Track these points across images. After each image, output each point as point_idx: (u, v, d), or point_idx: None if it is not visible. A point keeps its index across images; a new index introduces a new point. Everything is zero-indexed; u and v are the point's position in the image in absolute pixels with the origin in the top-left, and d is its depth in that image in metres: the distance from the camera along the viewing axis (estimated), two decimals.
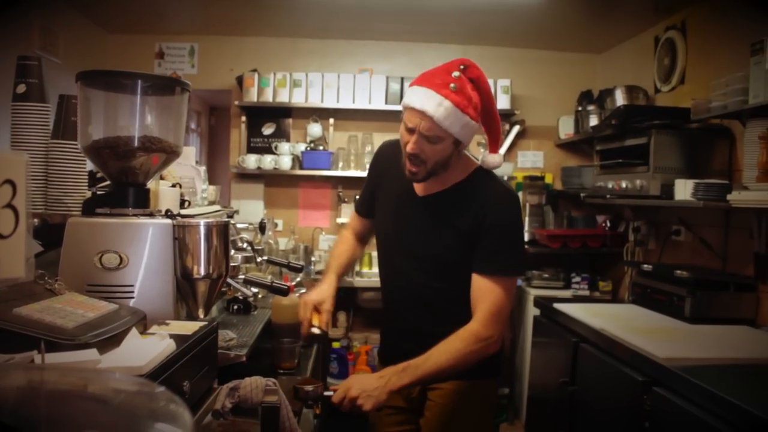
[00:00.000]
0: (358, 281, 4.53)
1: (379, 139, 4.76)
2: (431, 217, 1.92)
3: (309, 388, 1.79)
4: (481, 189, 1.89)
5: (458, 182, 1.91)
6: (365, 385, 1.75)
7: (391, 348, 2.12)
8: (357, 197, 2.26)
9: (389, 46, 5.00)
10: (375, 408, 1.74)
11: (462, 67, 1.75)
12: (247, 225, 3.23)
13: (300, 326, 2.05)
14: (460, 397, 1.96)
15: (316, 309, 2.01)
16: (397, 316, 2.08)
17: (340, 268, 2.18)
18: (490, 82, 4.62)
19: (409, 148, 1.79)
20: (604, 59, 4.98)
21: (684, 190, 3.09)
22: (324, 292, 2.05)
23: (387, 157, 2.09)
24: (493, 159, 1.91)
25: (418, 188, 1.96)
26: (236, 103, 4.84)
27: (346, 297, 4.51)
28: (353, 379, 1.80)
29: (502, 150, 4.80)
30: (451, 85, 1.71)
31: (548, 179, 4.94)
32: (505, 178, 4.70)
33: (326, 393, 1.79)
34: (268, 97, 4.74)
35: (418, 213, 1.94)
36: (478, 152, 4.83)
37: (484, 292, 1.82)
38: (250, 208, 4.79)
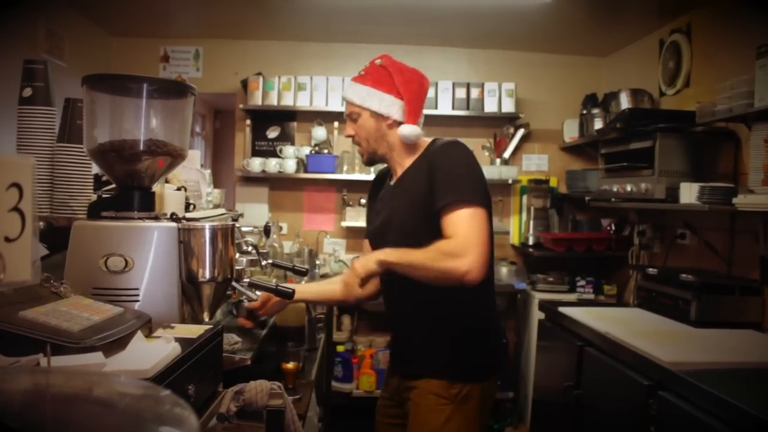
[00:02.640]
0: None
1: None
2: (400, 197, 2.04)
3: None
4: (429, 151, 2.02)
5: (414, 160, 2.04)
6: (358, 264, 1.86)
7: (398, 340, 2.18)
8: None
9: (394, 49, 4.95)
10: (363, 274, 1.83)
11: (377, 60, 2.08)
12: (251, 228, 3.24)
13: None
14: (437, 398, 1.96)
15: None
16: (392, 304, 2.15)
17: (319, 295, 2.37)
18: (495, 85, 4.70)
19: (345, 132, 2.13)
20: (609, 62, 4.97)
21: (689, 193, 3.09)
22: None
23: (377, 179, 2.28)
24: (405, 128, 2.00)
25: (395, 177, 2.12)
26: (241, 106, 4.85)
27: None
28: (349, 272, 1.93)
29: (506, 154, 4.80)
30: (361, 72, 2.07)
31: (553, 183, 4.94)
32: (510, 181, 4.71)
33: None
34: (272, 100, 4.75)
35: (393, 200, 2.08)
36: (482, 156, 4.83)
37: (450, 224, 1.85)
38: (254, 212, 4.79)
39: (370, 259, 1.85)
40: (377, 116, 2.02)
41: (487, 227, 1.88)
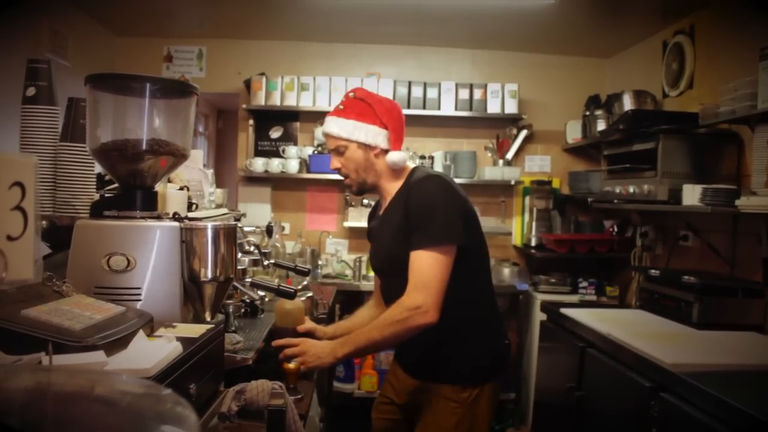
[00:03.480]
0: (364, 285, 4.53)
1: None
2: (387, 226, 2.14)
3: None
4: (409, 182, 2.10)
5: (398, 190, 2.13)
6: (319, 349, 2.00)
7: (406, 347, 2.20)
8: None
9: (397, 50, 5.01)
10: (313, 368, 2.03)
11: (350, 94, 2.13)
12: (254, 228, 3.24)
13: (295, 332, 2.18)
14: (447, 401, 2.06)
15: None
16: None
17: (342, 328, 2.33)
18: (498, 86, 4.70)
19: (330, 165, 2.19)
20: (612, 64, 4.97)
21: (692, 195, 3.08)
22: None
23: (374, 208, 2.38)
24: (392, 155, 2.10)
25: (382, 206, 2.22)
26: (244, 106, 4.86)
27: (352, 301, 4.50)
28: (312, 343, 2.03)
29: (509, 155, 4.80)
30: (339, 106, 2.12)
31: (555, 184, 4.93)
32: (512, 182, 4.70)
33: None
34: (275, 100, 4.75)
35: (381, 229, 2.18)
36: (484, 157, 4.83)
37: (413, 266, 1.97)
38: (257, 212, 4.79)
39: (328, 356, 2.00)
40: (365, 147, 2.09)
41: (446, 270, 1.95)
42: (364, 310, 2.42)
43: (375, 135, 2.08)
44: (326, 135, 2.15)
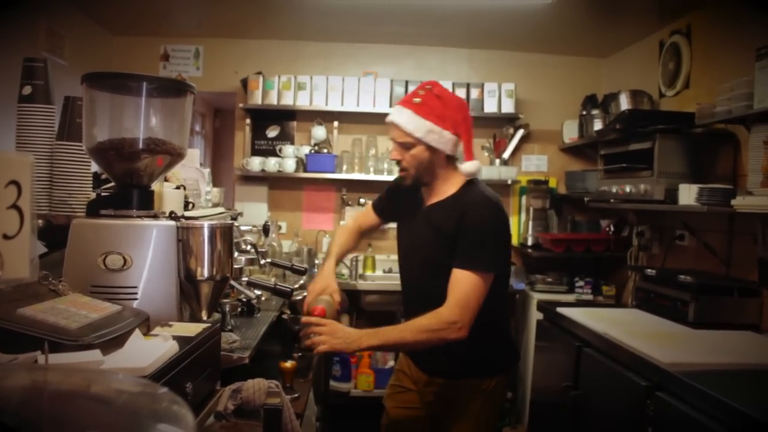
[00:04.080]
0: (361, 284, 4.53)
1: (384, 142, 4.77)
2: (428, 224, 2.15)
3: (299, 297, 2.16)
4: (465, 197, 2.11)
5: (452, 194, 2.14)
6: (346, 334, 1.98)
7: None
8: (379, 196, 2.48)
9: (394, 49, 5.01)
10: (330, 351, 1.97)
11: (428, 87, 2.10)
12: (250, 227, 3.24)
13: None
14: (471, 393, 2.17)
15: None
16: (409, 312, 2.24)
17: (340, 256, 2.43)
18: (494, 85, 4.71)
19: (391, 156, 2.16)
20: (609, 63, 4.97)
21: (688, 194, 3.09)
22: (327, 277, 2.25)
23: (410, 188, 2.30)
24: (467, 166, 2.12)
25: (425, 200, 2.21)
26: (241, 105, 4.85)
27: (349, 301, 4.50)
28: (340, 327, 2.01)
29: (506, 154, 4.80)
30: (415, 99, 2.07)
31: (552, 183, 4.94)
32: (509, 182, 4.71)
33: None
34: (272, 99, 4.75)
35: (421, 222, 2.19)
36: (481, 157, 4.83)
37: (456, 283, 2.00)
38: (254, 211, 4.79)
39: (353, 343, 1.97)
40: (432, 150, 2.08)
41: (484, 294, 2.01)
42: (348, 237, 2.47)
43: (446, 142, 2.07)
44: (395, 126, 2.09)
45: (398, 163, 2.14)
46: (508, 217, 2.15)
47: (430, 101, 2.06)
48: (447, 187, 2.15)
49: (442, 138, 2.06)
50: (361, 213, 2.58)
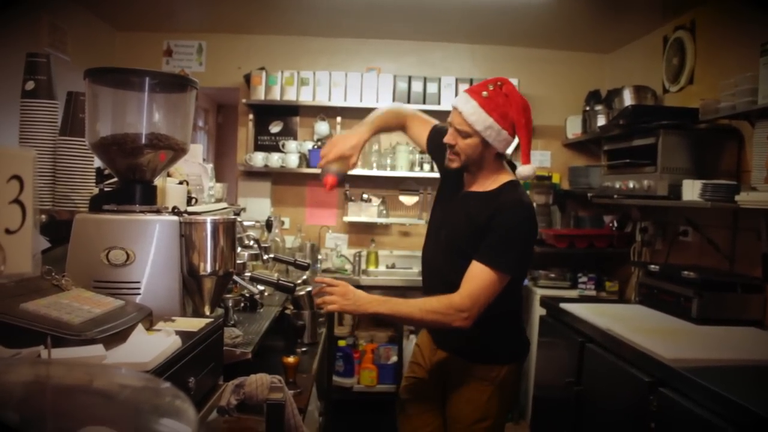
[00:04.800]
0: (364, 279, 4.52)
1: (387, 137, 4.76)
2: (464, 209, 2.19)
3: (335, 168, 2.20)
4: (505, 195, 2.14)
5: (492, 189, 2.17)
6: (358, 297, 2.05)
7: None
8: (442, 129, 2.38)
9: (397, 45, 5.00)
10: (339, 311, 2.09)
11: (499, 83, 2.12)
12: (253, 223, 3.25)
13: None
14: (480, 380, 2.20)
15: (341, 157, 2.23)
16: (428, 290, 2.28)
17: (377, 129, 2.40)
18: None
19: (446, 138, 2.17)
20: (613, 59, 4.96)
21: (692, 190, 3.08)
22: (355, 146, 2.24)
23: (457, 172, 2.31)
24: (524, 169, 2.17)
25: (466, 184, 2.25)
26: (244, 101, 4.85)
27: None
28: (352, 289, 2.07)
29: (509, 150, 4.79)
30: (483, 93, 2.10)
31: (555, 179, 4.93)
32: None
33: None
34: (275, 95, 4.75)
35: (457, 206, 2.23)
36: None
37: (473, 275, 2.04)
38: (256, 206, 4.79)
39: (363, 305, 2.05)
40: (486, 144, 2.12)
41: (497, 292, 2.04)
42: (395, 116, 2.50)
43: (502, 140, 2.11)
44: (458, 112, 2.11)
45: (451, 147, 2.16)
46: (538, 225, 2.18)
47: (497, 98, 2.09)
48: (489, 182, 2.19)
49: (499, 136, 2.10)
50: (421, 116, 2.56)
